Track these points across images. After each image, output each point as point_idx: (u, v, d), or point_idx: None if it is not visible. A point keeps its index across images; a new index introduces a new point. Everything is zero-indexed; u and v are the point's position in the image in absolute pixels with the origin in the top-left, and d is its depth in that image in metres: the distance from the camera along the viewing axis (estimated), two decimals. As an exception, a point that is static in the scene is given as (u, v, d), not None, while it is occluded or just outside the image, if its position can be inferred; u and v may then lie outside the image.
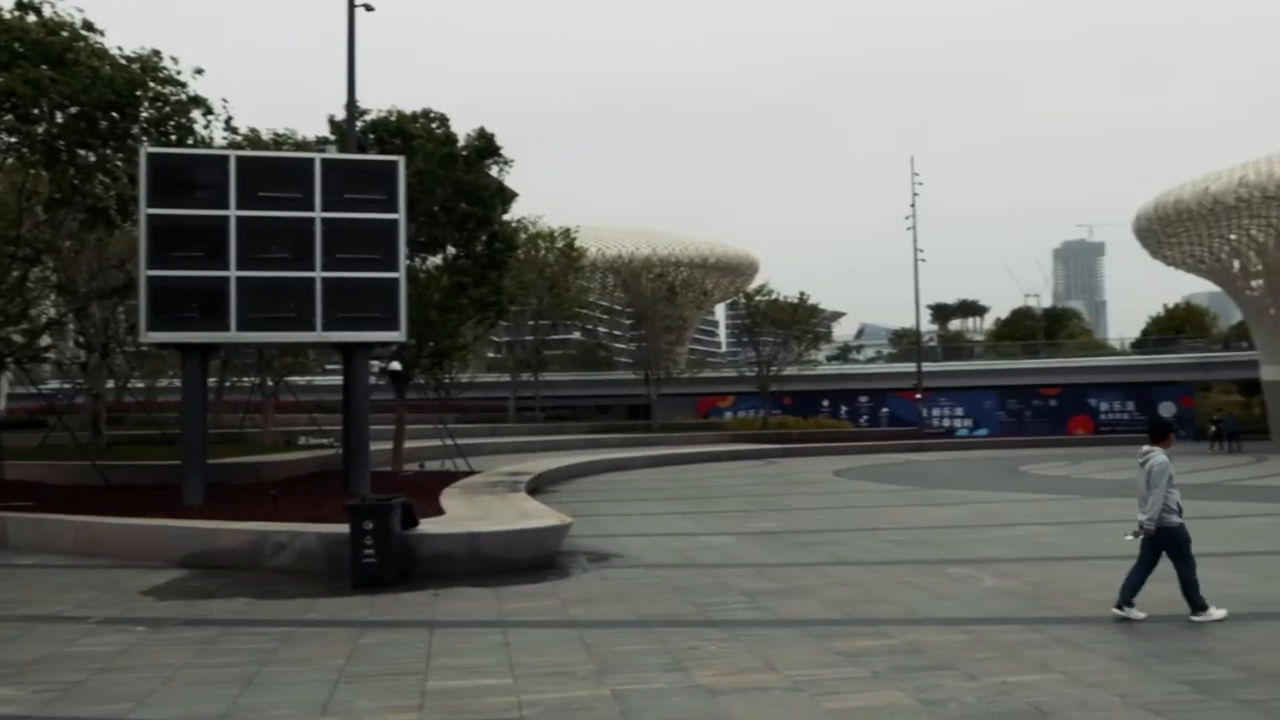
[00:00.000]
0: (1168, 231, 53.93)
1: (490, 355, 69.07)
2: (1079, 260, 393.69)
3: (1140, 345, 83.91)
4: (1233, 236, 55.85)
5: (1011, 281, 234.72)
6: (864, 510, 23.06)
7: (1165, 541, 10.05)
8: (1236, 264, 57.73)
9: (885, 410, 73.22)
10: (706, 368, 76.46)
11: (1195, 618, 9.76)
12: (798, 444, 53.92)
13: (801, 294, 65.35)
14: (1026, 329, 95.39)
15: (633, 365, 66.28)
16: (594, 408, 73.88)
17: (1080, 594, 11.49)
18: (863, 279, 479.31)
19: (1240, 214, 51.62)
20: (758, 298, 64.48)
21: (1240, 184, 47.34)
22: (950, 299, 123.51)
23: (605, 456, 39.58)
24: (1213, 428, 54.82)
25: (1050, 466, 39.92)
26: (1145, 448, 10.35)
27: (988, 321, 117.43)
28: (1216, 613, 9.80)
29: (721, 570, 13.59)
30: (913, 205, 66.03)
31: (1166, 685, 7.46)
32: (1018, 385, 71.46)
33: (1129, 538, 10.28)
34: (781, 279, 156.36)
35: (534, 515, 15.95)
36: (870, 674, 7.90)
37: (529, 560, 13.70)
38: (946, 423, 71.95)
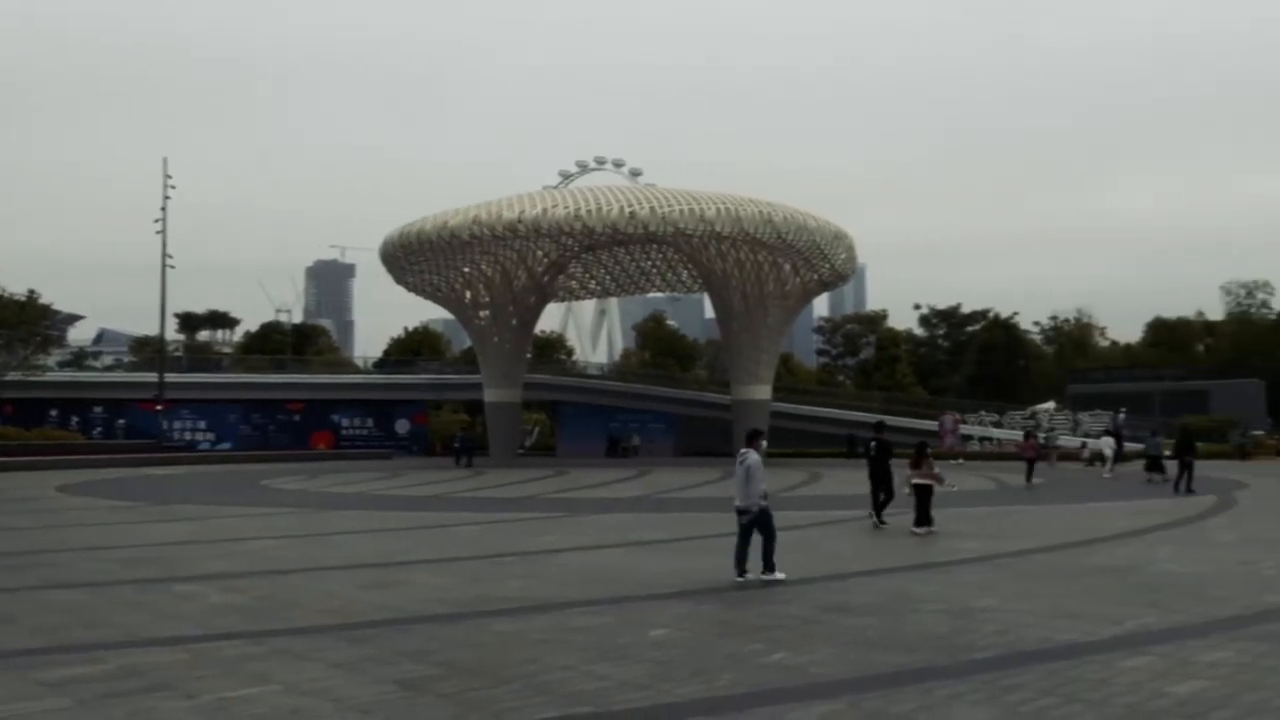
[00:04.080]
0: (410, 260, 57.34)
1: None
2: (331, 279, 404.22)
3: (382, 365, 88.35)
4: (466, 270, 61.05)
5: (264, 295, 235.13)
6: (89, 529, 21.53)
7: (760, 519, 13.08)
8: (468, 295, 63.18)
9: (122, 422, 69.22)
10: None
11: (765, 576, 12.92)
12: (18, 457, 48.90)
13: (31, 292, 59.63)
14: (276, 344, 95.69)
15: None
16: None
17: (304, 604, 11.76)
18: (106, 281, 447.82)
19: (473, 250, 56.54)
20: (-23, 294, 57.64)
21: (474, 222, 51.77)
22: (200, 308, 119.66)
23: None
24: (455, 444, 59.38)
25: (290, 481, 40.40)
26: (743, 451, 13.35)
27: (238, 334, 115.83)
28: (780, 574, 12.97)
29: (-94, 601, 11.86)
30: (163, 209, 63.35)
31: (378, 686, 7.89)
32: (264, 400, 71.55)
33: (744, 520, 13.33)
34: (10, 276, 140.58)
35: None
36: (76, 703, 7.38)
37: None
38: (189, 436, 69.87)
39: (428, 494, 33.17)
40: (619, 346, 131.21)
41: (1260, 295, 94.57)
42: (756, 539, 13.18)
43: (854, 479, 38.30)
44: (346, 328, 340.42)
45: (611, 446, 68.99)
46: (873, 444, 21.00)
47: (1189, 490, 28.28)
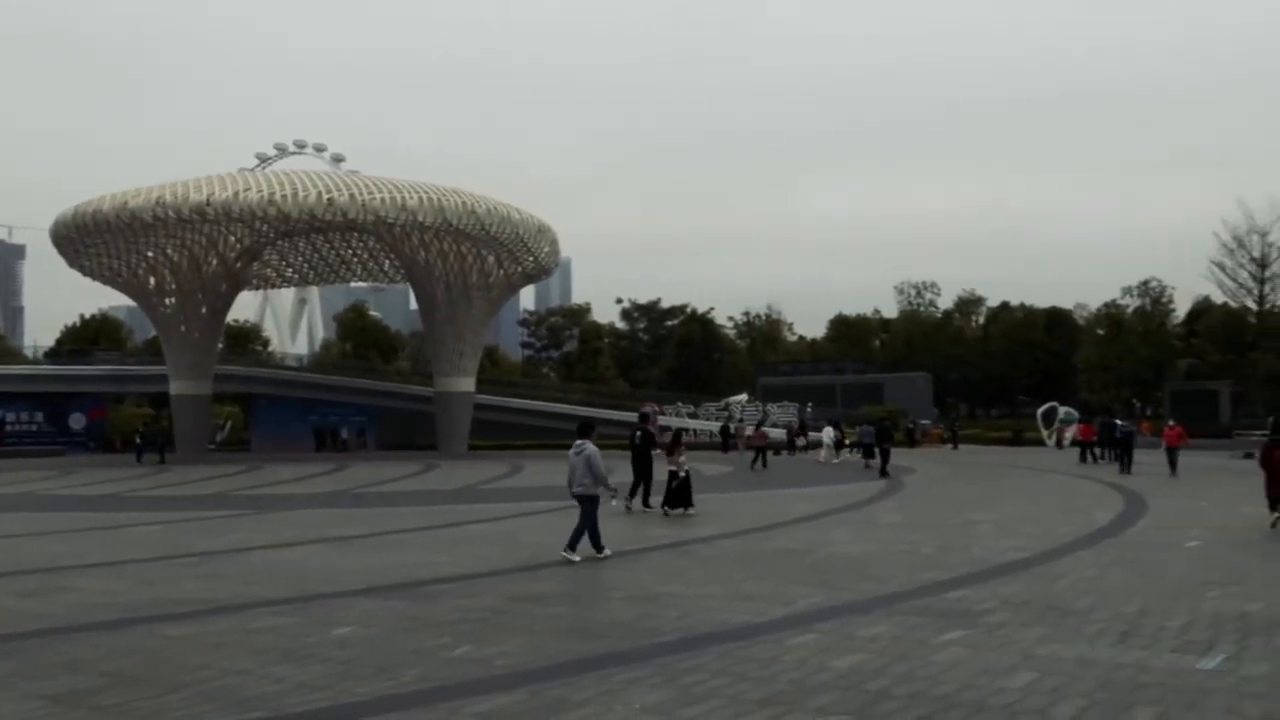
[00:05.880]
0: (86, 242, 53.31)
1: None
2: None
3: (54, 355, 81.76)
4: (150, 254, 57.44)
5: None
6: None
7: (587, 503, 14.30)
8: (153, 281, 59.47)
9: None
10: None
11: (571, 557, 13.92)
12: None
13: None
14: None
15: None
16: None
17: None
18: None
19: (158, 232, 53.23)
20: None
21: (158, 204, 48.67)
22: None
23: None
24: (137, 439, 55.97)
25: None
26: (579, 442, 14.52)
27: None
28: (607, 550, 14.34)
29: None
30: None
31: (25, 703, 7.27)
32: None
33: (615, 504, 16.48)
34: None
35: None
36: None
37: None
38: None
39: (103, 493, 31.08)
40: (320, 337, 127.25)
41: (928, 295, 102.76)
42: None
43: (554, 470, 38.69)
44: (14, 314, 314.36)
45: (320, 440, 66.47)
46: (638, 434, 22.41)
47: (885, 474, 31.54)
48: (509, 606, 10.73)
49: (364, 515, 22.59)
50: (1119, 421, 36.65)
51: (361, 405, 69.40)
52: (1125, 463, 31.38)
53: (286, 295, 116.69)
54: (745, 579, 12.30)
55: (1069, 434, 49.97)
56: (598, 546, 14.36)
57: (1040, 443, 54.19)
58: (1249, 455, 32.63)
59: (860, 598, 10.90)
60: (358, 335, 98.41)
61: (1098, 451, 37.63)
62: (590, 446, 14.52)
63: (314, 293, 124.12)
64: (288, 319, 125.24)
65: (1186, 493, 24.18)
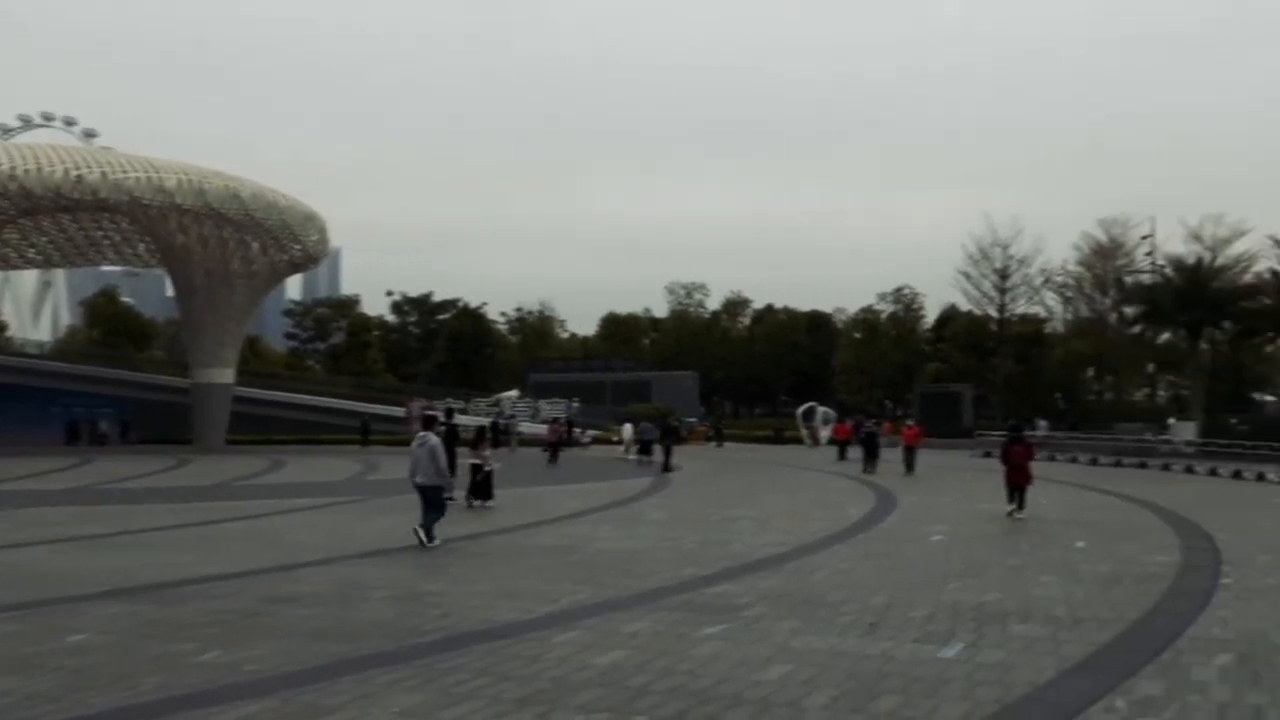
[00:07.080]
0: None
1: None
2: None
3: None
4: None
5: None
6: None
7: (431, 493, 14.75)
8: None
9: None
10: None
11: (430, 544, 14.48)
12: None
13: None
14: None
15: None
16: None
17: None
18: None
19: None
20: None
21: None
22: None
23: None
24: None
25: None
26: (421, 434, 15.19)
27: None
28: (438, 540, 14.65)
29: None
30: None
31: None
32: None
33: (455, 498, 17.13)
34: None
35: None
36: None
37: None
38: None
39: None
40: (65, 323, 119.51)
41: (698, 296, 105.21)
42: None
43: (317, 466, 37.68)
44: None
45: (73, 434, 61.82)
46: (441, 429, 22.12)
47: (668, 469, 32.94)
48: (262, 608, 10.31)
49: (108, 513, 21.33)
50: (868, 422, 38.57)
51: (112, 396, 65.55)
52: (871, 461, 32.67)
53: (28, 277, 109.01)
54: (511, 576, 12.24)
55: (824, 433, 52.17)
56: (429, 536, 14.66)
57: (800, 441, 56.31)
58: (988, 454, 34.90)
59: (624, 594, 11.02)
60: (108, 322, 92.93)
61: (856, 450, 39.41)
62: (433, 438, 15.02)
63: (60, 275, 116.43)
64: (29, 303, 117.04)
65: (932, 490, 25.61)
